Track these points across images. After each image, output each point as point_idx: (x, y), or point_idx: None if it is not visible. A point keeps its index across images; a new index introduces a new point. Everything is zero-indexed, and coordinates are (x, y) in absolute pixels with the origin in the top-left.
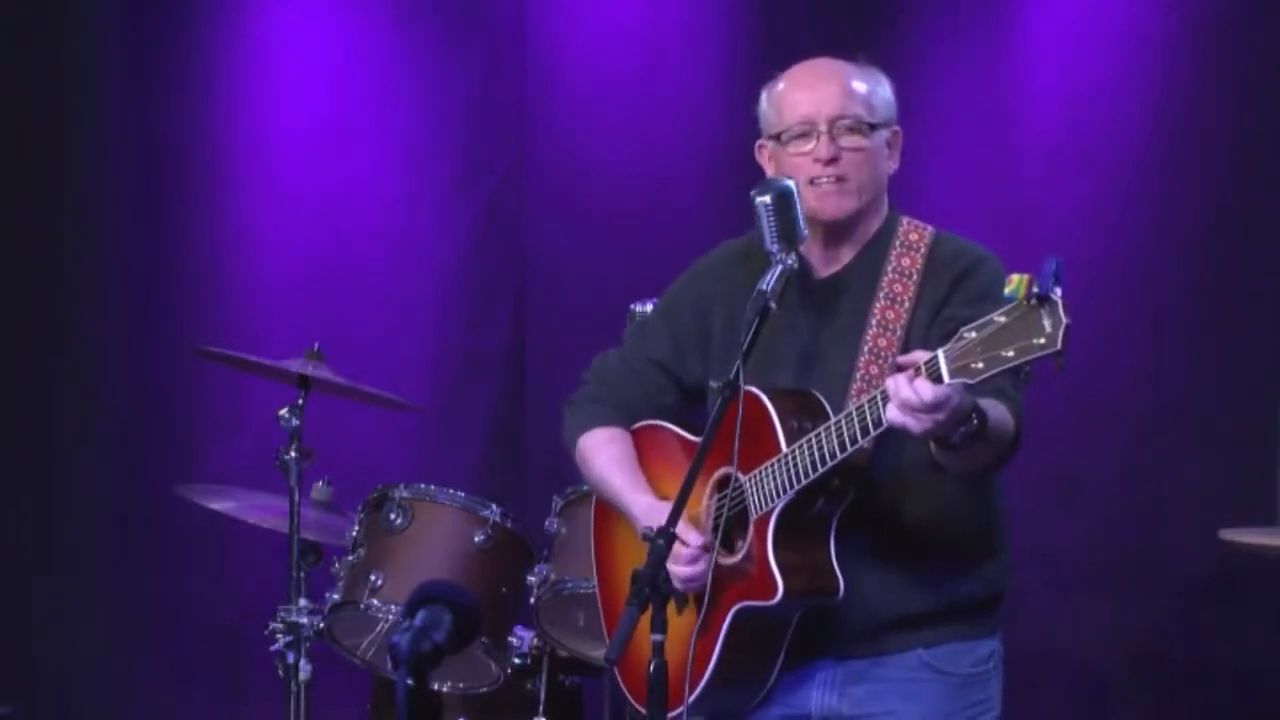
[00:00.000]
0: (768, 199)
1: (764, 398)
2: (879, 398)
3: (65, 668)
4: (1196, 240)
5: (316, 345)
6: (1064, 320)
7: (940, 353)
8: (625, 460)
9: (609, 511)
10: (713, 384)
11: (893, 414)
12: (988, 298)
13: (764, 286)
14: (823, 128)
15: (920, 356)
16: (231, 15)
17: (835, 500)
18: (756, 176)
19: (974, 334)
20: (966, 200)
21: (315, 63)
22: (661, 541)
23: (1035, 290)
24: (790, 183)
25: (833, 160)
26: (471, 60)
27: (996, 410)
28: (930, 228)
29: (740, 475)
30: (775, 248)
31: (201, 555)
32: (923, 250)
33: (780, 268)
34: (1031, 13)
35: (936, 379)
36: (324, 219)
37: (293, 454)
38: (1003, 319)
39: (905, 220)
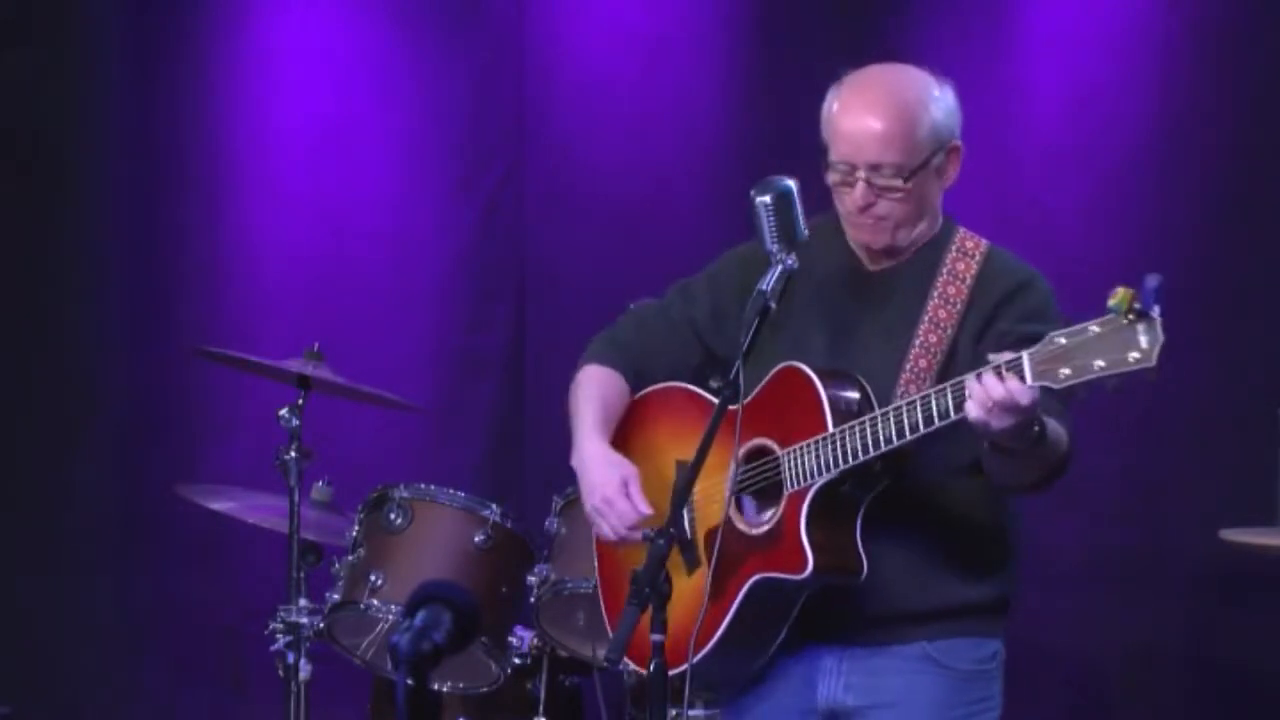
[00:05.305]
0: (767, 199)
1: (811, 374)
2: (949, 391)
3: (65, 668)
4: (1196, 240)
5: (316, 345)
6: (1160, 337)
7: (1025, 354)
8: (605, 400)
9: None
10: (713, 384)
11: (974, 410)
12: (1039, 316)
13: (764, 286)
14: (861, 174)
15: (1004, 356)
16: (232, 16)
17: (870, 484)
18: (756, 176)
19: (1064, 340)
20: (966, 200)
21: (315, 63)
22: (662, 541)
23: (1138, 306)
24: (790, 182)
25: (869, 206)
26: (471, 60)
27: (1056, 428)
28: (985, 240)
29: (777, 447)
30: (775, 248)
31: (201, 555)
32: (978, 258)
33: (780, 268)
34: (1032, 13)
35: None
36: (324, 219)
37: (293, 454)
38: (1097, 329)
39: (962, 230)
